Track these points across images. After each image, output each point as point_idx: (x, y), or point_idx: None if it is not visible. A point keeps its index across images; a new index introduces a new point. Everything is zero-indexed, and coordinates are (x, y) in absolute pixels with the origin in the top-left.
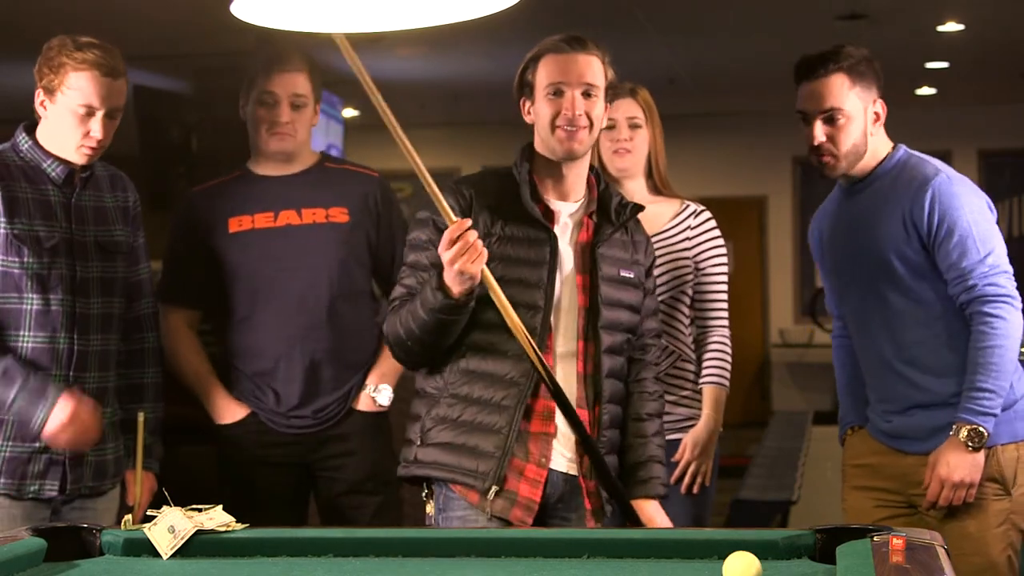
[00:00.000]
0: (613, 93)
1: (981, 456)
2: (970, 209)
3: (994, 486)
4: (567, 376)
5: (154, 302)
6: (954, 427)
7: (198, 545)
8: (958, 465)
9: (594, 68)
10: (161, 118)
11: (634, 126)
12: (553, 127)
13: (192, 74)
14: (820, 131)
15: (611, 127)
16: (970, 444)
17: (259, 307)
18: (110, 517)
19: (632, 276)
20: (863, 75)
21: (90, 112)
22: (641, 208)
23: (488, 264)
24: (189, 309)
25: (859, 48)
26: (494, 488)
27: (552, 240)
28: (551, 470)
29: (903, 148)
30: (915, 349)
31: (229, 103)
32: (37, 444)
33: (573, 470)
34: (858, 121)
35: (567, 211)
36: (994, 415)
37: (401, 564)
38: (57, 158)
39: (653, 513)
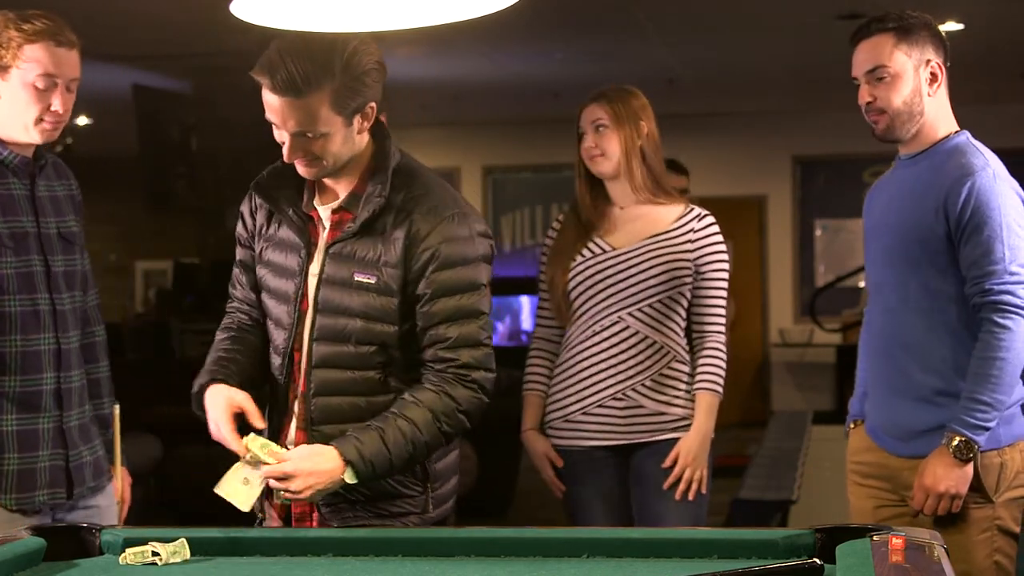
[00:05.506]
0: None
1: (969, 468)
2: (1006, 211)
3: (974, 495)
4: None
5: (98, 294)
6: (945, 436)
7: (197, 545)
8: (944, 476)
9: (306, 114)
10: (161, 118)
11: (600, 127)
12: None
13: (192, 74)
14: (866, 90)
15: (582, 134)
16: (959, 456)
17: None
18: (111, 512)
19: (373, 281)
20: (910, 33)
21: (49, 84)
22: (378, 204)
23: (259, 271)
24: None
25: (918, 13)
26: None
27: (307, 249)
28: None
29: (966, 134)
30: (913, 336)
31: (229, 103)
32: (41, 452)
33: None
34: (907, 79)
35: (326, 214)
36: (988, 428)
37: (401, 564)
38: (13, 145)
39: None
